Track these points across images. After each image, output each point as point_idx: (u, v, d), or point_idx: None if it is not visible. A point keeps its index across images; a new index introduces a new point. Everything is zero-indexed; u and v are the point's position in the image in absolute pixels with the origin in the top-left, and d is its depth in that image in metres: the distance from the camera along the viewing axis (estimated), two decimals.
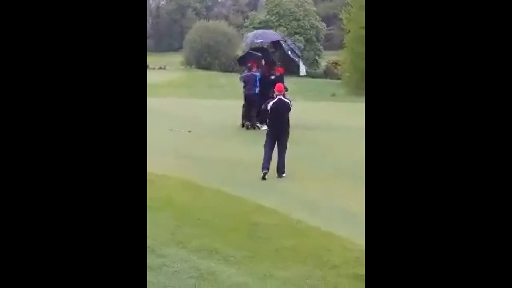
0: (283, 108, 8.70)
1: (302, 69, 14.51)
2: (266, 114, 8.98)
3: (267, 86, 12.89)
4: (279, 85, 9.08)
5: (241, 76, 13.51)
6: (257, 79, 12.89)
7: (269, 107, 8.70)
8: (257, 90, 12.87)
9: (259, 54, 14.08)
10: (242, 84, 13.41)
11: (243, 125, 13.17)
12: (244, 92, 13.10)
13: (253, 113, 12.99)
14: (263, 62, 13.62)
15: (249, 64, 13.34)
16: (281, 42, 14.85)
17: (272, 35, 16.50)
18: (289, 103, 8.81)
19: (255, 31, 18.17)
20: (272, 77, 12.97)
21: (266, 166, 8.44)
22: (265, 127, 12.79)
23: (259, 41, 14.79)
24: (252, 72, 13.01)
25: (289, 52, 14.53)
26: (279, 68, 13.44)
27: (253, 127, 13.03)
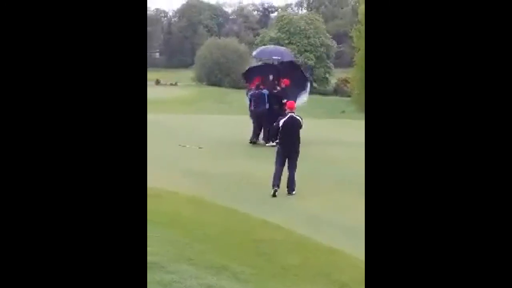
0: (294, 125, 8.73)
1: (305, 97, 14.15)
2: (277, 132, 9.00)
3: (270, 100, 12.95)
4: (290, 102, 9.12)
5: (250, 93, 13.40)
6: (265, 96, 12.91)
7: (280, 124, 8.73)
8: (267, 106, 12.89)
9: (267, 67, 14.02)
10: (247, 101, 13.41)
11: (252, 141, 13.13)
12: (253, 109, 13.09)
13: (265, 130, 12.98)
14: (271, 77, 13.51)
15: (257, 82, 13.29)
16: (295, 62, 14.76)
17: (287, 54, 16.26)
18: (300, 120, 8.84)
19: (267, 46, 18.01)
20: (275, 91, 13.03)
21: (276, 183, 8.44)
22: (269, 144, 12.87)
23: (276, 58, 14.64)
24: (260, 90, 13.04)
25: (306, 74, 14.44)
26: (285, 80, 13.39)
27: (266, 143, 13.02)
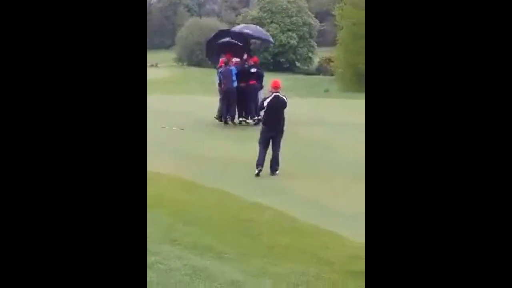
0: (279, 105, 8.62)
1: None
2: (261, 111, 8.90)
3: (246, 78, 12.71)
4: (275, 81, 8.95)
5: (219, 71, 12.92)
6: (233, 73, 12.63)
7: (265, 104, 8.63)
8: (234, 84, 12.62)
9: (240, 44, 13.39)
10: (217, 80, 13.08)
11: (225, 121, 12.88)
12: (222, 87, 12.77)
13: (233, 108, 12.81)
14: (245, 55, 13.12)
15: (225, 59, 12.86)
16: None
17: (265, 35, 15.70)
18: (285, 100, 8.74)
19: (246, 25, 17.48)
20: (253, 70, 12.82)
21: (261, 163, 8.40)
22: (250, 121, 12.78)
23: (246, 31, 14.12)
24: (228, 67, 12.79)
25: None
26: (254, 58, 13.12)
27: (233, 122, 12.85)
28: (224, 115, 12.90)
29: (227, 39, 13.82)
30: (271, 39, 16.25)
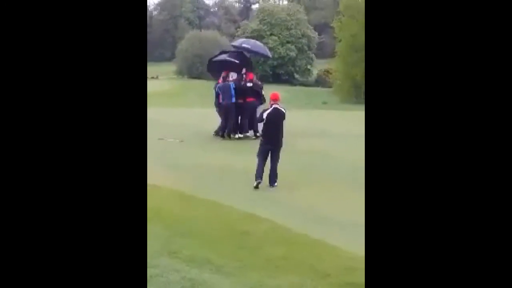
0: (278, 118, 8.67)
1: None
2: (260, 123, 8.95)
3: (243, 94, 12.88)
4: (274, 93, 9.00)
5: (218, 86, 13.17)
6: (232, 88, 12.81)
7: (265, 116, 8.66)
8: (233, 100, 12.83)
9: (237, 62, 13.59)
10: (215, 94, 13.24)
11: (221, 135, 13.03)
12: (221, 102, 12.95)
13: (230, 123, 12.95)
14: (244, 70, 13.27)
15: (223, 74, 13.14)
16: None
17: (264, 49, 15.75)
18: (284, 111, 8.79)
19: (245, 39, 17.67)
20: (249, 84, 12.95)
21: (260, 175, 8.40)
22: (249, 134, 12.87)
23: (245, 45, 14.31)
24: (226, 82, 12.97)
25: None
26: (250, 74, 13.26)
27: (229, 137, 12.95)
28: (222, 130, 13.03)
29: (224, 57, 14.17)
30: (269, 54, 16.46)
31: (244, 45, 14.53)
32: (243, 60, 13.83)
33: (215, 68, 14.16)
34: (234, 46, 14.94)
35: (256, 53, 14.82)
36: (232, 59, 13.73)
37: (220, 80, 13.17)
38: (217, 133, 13.15)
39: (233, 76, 13.22)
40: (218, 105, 13.17)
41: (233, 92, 12.77)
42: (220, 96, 12.98)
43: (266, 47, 16.91)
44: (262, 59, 31.92)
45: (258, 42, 16.90)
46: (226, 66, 13.53)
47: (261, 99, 13.08)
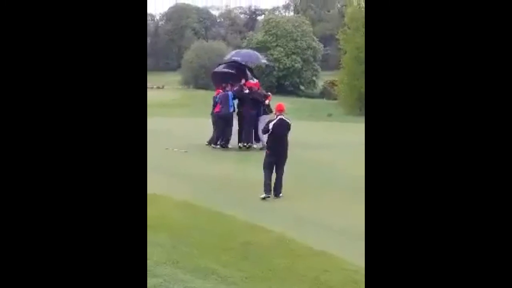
0: (284, 128, 8.65)
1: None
2: (266, 134, 8.94)
3: (242, 103, 12.91)
4: (280, 104, 9.00)
5: (217, 97, 13.14)
6: (230, 97, 12.80)
7: (270, 126, 8.63)
8: (231, 109, 12.83)
9: (233, 72, 13.71)
10: (213, 104, 13.25)
11: (221, 145, 12.99)
12: (219, 112, 12.91)
13: (228, 132, 12.94)
14: (243, 81, 13.28)
15: (224, 85, 13.18)
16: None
17: (256, 57, 15.87)
18: (289, 122, 8.78)
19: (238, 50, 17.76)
20: (246, 91, 12.94)
21: (268, 189, 8.31)
22: (256, 146, 12.84)
23: (235, 58, 14.41)
24: (225, 92, 12.96)
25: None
26: (247, 82, 13.26)
27: (226, 146, 12.93)
28: (221, 139, 13.00)
29: (222, 68, 14.41)
30: (262, 61, 16.56)
31: (233, 58, 14.66)
32: (239, 69, 13.96)
33: (217, 80, 14.33)
34: (225, 62, 15.13)
35: (247, 63, 14.80)
36: (228, 70, 13.99)
37: (218, 91, 13.26)
38: (209, 143, 13.13)
39: (230, 86, 13.29)
40: (216, 114, 13.14)
41: (231, 101, 12.77)
42: (219, 106, 12.97)
43: (258, 54, 17.00)
44: (267, 70, 32.08)
45: (250, 51, 17.07)
46: (227, 78, 13.66)
47: (260, 109, 13.05)
